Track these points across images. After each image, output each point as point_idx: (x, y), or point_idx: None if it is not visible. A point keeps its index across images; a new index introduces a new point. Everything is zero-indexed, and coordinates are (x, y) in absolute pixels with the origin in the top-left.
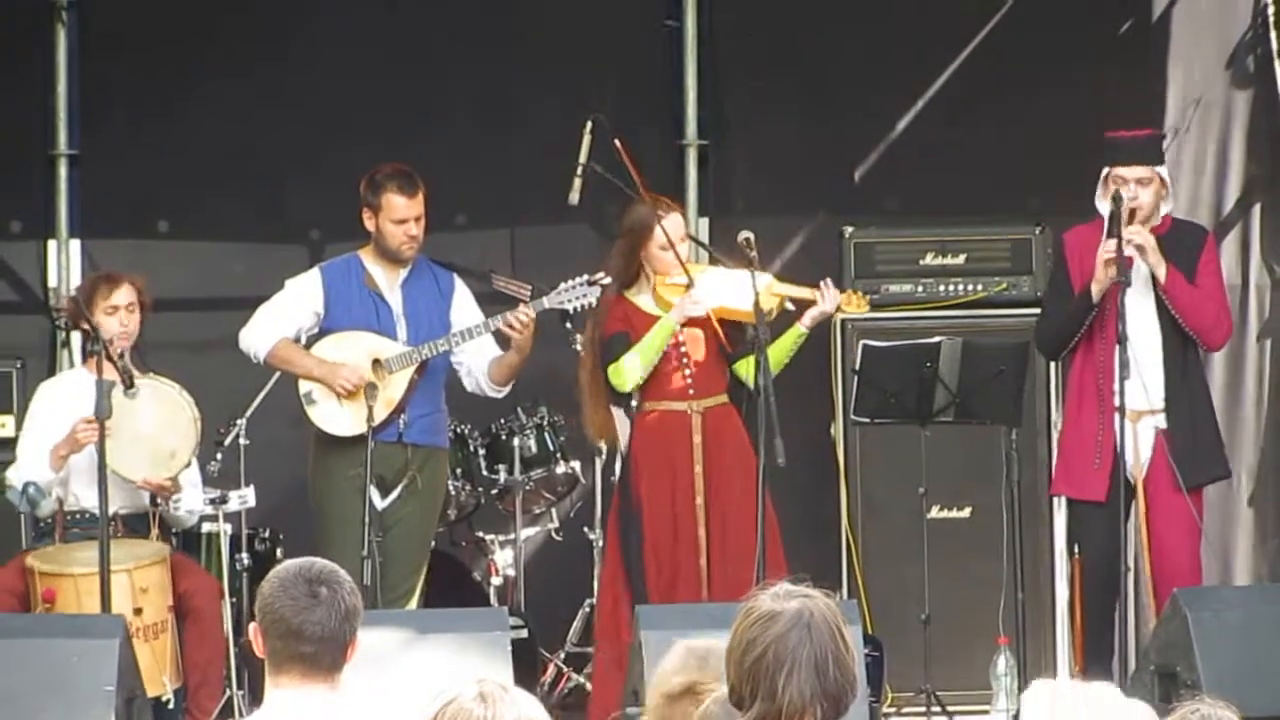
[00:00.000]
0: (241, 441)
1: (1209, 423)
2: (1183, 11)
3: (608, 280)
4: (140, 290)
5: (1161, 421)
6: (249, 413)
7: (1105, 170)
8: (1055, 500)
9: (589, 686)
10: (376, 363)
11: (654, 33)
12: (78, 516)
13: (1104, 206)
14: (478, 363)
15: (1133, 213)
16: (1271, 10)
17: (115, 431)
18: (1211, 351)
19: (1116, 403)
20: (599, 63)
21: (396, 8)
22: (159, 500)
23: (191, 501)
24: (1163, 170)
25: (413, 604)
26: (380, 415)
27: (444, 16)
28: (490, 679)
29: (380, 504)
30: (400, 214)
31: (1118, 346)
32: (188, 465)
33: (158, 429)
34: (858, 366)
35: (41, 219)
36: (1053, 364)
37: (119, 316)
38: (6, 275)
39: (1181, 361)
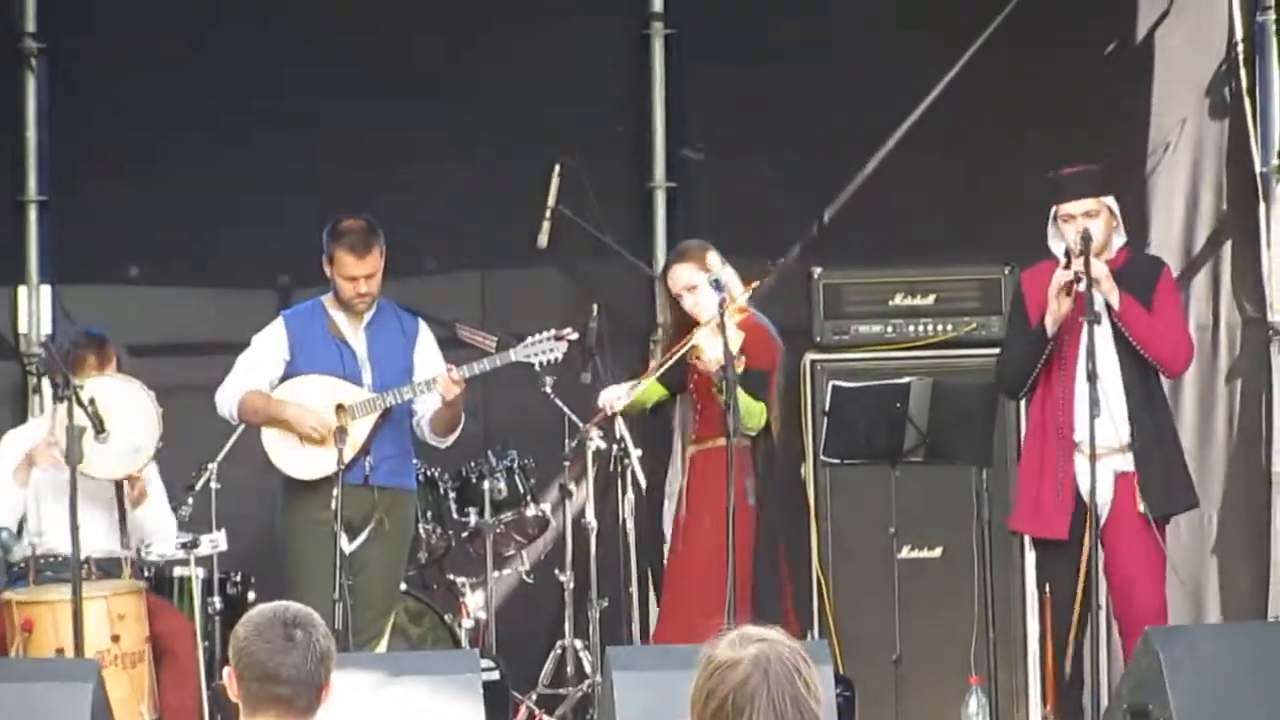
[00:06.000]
0: (212, 486)
1: (1176, 453)
2: (1165, 35)
3: (575, 336)
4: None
5: (1120, 463)
6: (220, 457)
7: (1053, 209)
8: (1025, 538)
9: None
10: (340, 407)
11: (623, 76)
12: (50, 560)
13: (1056, 245)
14: (423, 412)
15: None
16: (1241, 49)
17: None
18: (1173, 378)
19: (1076, 438)
20: (568, 106)
21: (362, 55)
22: (131, 545)
23: (163, 545)
24: (1110, 201)
25: (382, 646)
26: (346, 457)
27: (412, 61)
28: None
29: (348, 547)
30: (349, 272)
31: (1088, 385)
32: (153, 459)
33: (121, 423)
34: (828, 407)
35: (11, 265)
36: (1022, 403)
37: None
38: None
39: (1144, 392)
